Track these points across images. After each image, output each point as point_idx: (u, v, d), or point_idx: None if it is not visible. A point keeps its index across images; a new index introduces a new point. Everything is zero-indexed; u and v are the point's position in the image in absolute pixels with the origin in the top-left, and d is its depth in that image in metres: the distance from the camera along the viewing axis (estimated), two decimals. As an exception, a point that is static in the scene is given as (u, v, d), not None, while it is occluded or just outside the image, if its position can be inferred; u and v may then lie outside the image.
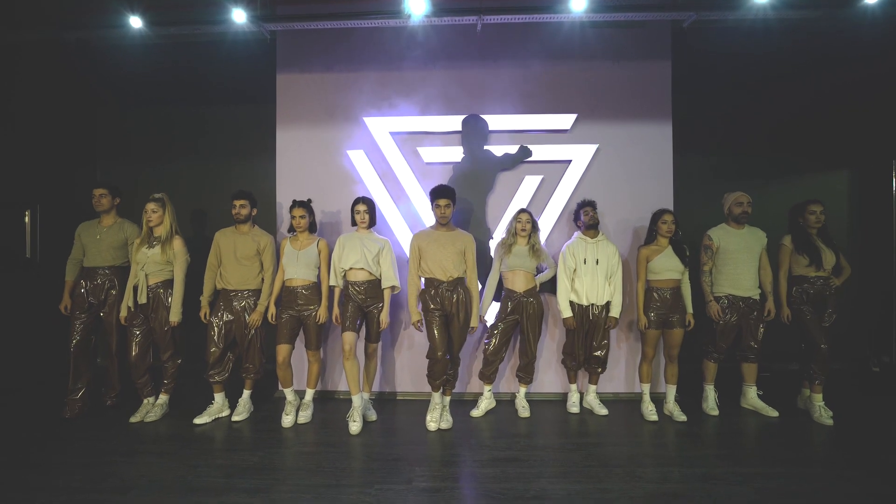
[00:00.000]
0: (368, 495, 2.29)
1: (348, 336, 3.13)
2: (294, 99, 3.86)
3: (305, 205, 3.28)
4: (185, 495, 2.30)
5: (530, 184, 3.73)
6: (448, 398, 3.29)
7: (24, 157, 4.21)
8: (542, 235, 3.69)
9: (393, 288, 3.26)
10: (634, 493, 2.32)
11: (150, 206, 3.27)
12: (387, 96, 3.80)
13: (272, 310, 3.29)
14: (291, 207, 3.26)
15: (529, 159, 3.74)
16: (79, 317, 3.33)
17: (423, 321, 3.21)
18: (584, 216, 3.43)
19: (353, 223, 3.32)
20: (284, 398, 3.36)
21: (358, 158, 3.78)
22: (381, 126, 3.78)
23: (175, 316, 3.26)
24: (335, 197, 3.78)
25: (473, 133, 3.77)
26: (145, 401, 3.37)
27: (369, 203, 3.32)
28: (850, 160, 4.57)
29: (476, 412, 3.40)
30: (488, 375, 3.46)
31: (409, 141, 3.79)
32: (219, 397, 3.34)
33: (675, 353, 3.37)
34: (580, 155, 3.73)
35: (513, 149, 3.75)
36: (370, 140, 3.80)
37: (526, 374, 3.50)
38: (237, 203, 3.31)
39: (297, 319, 3.26)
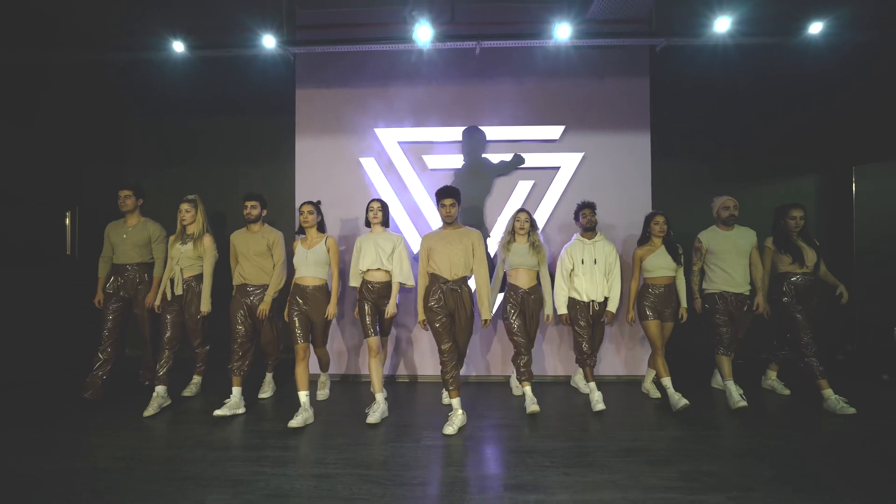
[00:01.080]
0: (386, 449, 2.72)
1: (373, 341, 3.33)
2: (311, 111, 4.31)
3: (313, 203, 3.44)
4: (230, 451, 2.73)
5: (523, 188, 4.17)
6: (457, 399, 3.15)
7: (66, 163, 4.67)
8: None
9: (404, 284, 3.45)
10: (609, 447, 2.74)
11: (185, 206, 3.58)
12: (395, 110, 4.25)
13: (267, 303, 3.44)
14: (300, 206, 3.44)
15: (522, 166, 4.19)
16: (111, 310, 3.63)
17: (428, 322, 3.28)
18: (582, 218, 3.66)
19: (367, 223, 3.56)
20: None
21: (369, 165, 4.22)
22: (390, 136, 4.23)
23: (205, 307, 3.55)
24: (349, 199, 4.22)
25: (472, 142, 4.22)
26: (158, 389, 3.48)
27: (383, 204, 3.55)
28: (816, 167, 5.03)
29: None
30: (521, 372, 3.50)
31: (415, 149, 4.24)
32: (237, 392, 3.40)
33: (663, 345, 3.58)
34: (568, 162, 4.18)
35: (508, 156, 4.20)
36: (380, 149, 4.24)
37: (528, 370, 3.48)
38: (248, 204, 3.51)
39: (307, 316, 3.35)
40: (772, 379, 3.87)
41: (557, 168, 4.19)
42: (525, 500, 2.16)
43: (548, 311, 3.62)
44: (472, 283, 3.51)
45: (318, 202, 3.49)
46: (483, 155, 4.22)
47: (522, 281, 3.55)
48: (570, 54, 4.06)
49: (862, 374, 4.26)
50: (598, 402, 3.36)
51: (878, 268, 4.65)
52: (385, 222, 3.57)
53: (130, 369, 4.11)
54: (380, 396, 3.30)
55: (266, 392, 3.78)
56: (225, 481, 2.34)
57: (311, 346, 3.44)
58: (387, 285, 3.46)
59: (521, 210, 3.64)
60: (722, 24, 3.36)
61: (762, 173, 5.00)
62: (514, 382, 3.73)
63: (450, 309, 3.23)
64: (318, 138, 4.30)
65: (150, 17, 3.80)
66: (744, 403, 3.30)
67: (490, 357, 4.23)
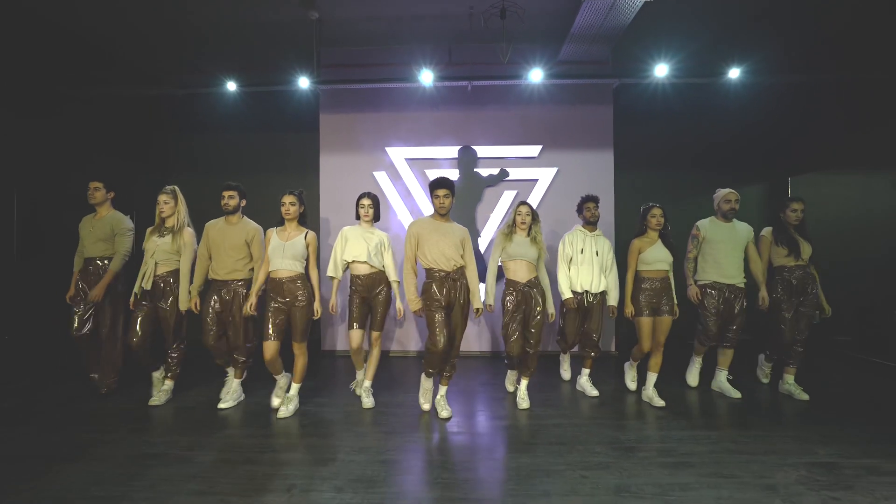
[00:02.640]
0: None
1: (355, 334, 3.42)
2: (333, 133, 5.22)
3: (296, 194, 3.25)
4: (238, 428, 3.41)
5: (508, 197, 5.08)
6: (445, 388, 3.34)
7: (125, 179, 5.60)
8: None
9: (396, 281, 3.53)
10: (602, 436, 3.62)
11: (162, 197, 3.39)
12: (403, 132, 5.16)
13: (252, 299, 3.27)
14: (283, 196, 3.24)
15: (507, 178, 5.10)
16: (78, 305, 3.47)
17: (424, 311, 3.19)
18: (585, 212, 3.75)
19: (357, 217, 3.57)
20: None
21: (381, 178, 5.14)
22: (399, 154, 5.14)
23: (183, 304, 3.38)
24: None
25: (466, 159, 5.13)
26: (155, 375, 3.55)
27: (374, 198, 3.55)
28: (758, 178, 5.93)
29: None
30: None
31: (420, 165, 5.15)
32: (235, 381, 3.46)
33: (662, 341, 3.51)
34: (545, 175, 5.09)
35: (495, 171, 5.11)
36: (391, 164, 5.16)
37: (528, 366, 3.46)
38: (225, 194, 3.36)
39: (283, 312, 3.17)
40: (789, 383, 3.69)
41: (536, 180, 5.10)
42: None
43: (550, 309, 3.49)
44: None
45: (301, 192, 3.30)
46: (475, 169, 5.13)
47: (521, 274, 3.43)
48: (547, 87, 4.96)
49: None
50: (565, 371, 4.06)
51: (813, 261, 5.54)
52: (376, 218, 3.58)
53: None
54: (361, 374, 3.60)
55: (228, 402, 3.41)
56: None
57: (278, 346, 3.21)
58: (373, 277, 3.45)
59: (522, 203, 3.53)
60: (661, 70, 4.25)
61: (711, 184, 5.87)
62: (521, 394, 3.48)
63: (450, 299, 3.17)
64: (338, 155, 5.21)
65: (205, 60, 4.73)
66: (693, 383, 3.79)
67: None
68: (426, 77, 4.32)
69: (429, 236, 3.17)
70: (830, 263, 4.77)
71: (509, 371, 3.81)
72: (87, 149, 5.14)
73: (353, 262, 3.44)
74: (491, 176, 5.13)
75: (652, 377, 3.54)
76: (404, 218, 5.11)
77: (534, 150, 5.10)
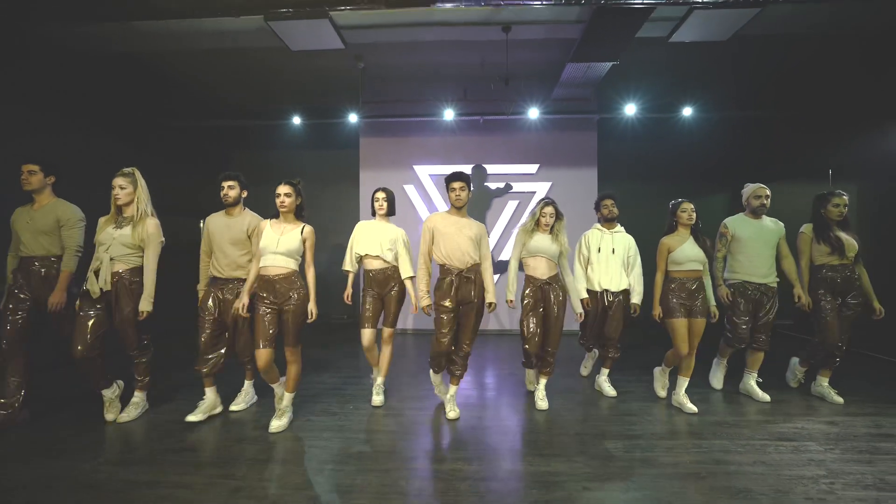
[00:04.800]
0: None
1: (367, 334, 3.32)
2: (371, 152, 6.49)
3: (293, 184, 2.96)
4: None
5: (511, 206, 6.32)
6: (455, 388, 3.26)
7: (201, 189, 6.93)
8: (511, 244, 6.17)
9: (411, 278, 3.41)
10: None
11: (118, 180, 2.90)
12: (428, 153, 6.42)
13: (244, 299, 2.90)
14: (278, 187, 2.93)
15: (511, 191, 6.34)
16: (14, 313, 2.91)
17: (434, 309, 3.11)
18: (603, 209, 3.71)
19: (373, 213, 3.50)
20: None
21: (410, 190, 6.40)
22: (424, 171, 6.41)
23: (146, 304, 2.91)
24: (396, 212, 6.37)
25: (478, 175, 6.37)
26: (105, 393, 3.02)
27: (389, 193, 3.46)
28: (725, 188, 7.11)
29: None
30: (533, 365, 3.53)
31: (440, 180, 6.40)
32: (210, 392, 3.12)
33: (696, 344, 3.28)
34: (541, 188, 6.32)
35: (501, 185, 6.35)
36: (417, 179, 6.42)
37: (547, 364, 3.39)
38: (225, 185, 3.10)
39: (276, 314, 2.86)
40: (822, 385, 3.55)
41: (534, 192, 6.33)
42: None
43: (578, 308, 3.44)
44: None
45: (299, 182, 3.03)
46: (485, 183, 6.38)
47: (542, 270, 3.35)
48: (543, 120, 6.18)
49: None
50: (584, 369, 4.09)
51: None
52: (390, 212, 3.50)
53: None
54: (375, 370, 3.55)
55: (239, 404, 3.30)
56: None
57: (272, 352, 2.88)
58: (385, 273, 3.38)
59: (547, 203, 3.42)
60: (630, 109, 5.47)
61: (680, 192, 7.05)
62: (540, 394, 3.43)
63: (462, 298, 3.08)
64: (375, 171, 6.48)
65: (275, 97, 6.03)
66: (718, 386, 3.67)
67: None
68: (448, 114, 5.58)
69: (444, 230, 3.11)
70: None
71: (528, 370, 3.71)
72: (176, 169, 6.47)
73: (366, 256, 3.38)
74: (497, 189, 6.37)
75: (683, 382, 3.33)
76: (428, 222, 6.38)
77: (532, 168, 6.34)
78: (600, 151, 6.39)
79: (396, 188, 6.41)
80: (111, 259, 2.90)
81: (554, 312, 3.30)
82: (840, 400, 3.43)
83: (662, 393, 3.61)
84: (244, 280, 3.04)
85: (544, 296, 3.32)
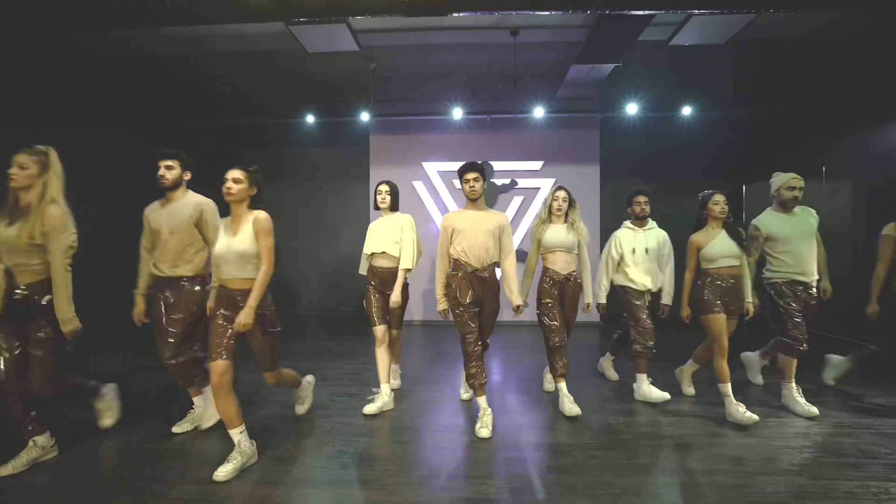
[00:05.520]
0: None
1: (379, 330, 3.19)
2: (380, 149, 6.71)
3: (247, 170, 2.43)
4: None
5: (516, 201, 6.55)
6: (483, 397, 2.93)
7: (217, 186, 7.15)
8: (517, 238, 6.41)
9: (408, 270, 3.17)
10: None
11: (20, 158, 2.20)
12: (436, 150, 6.64)
13: (210, 303, 2.53)
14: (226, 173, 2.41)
15: (516, 187, 6.57)
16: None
17: (451, 312, 2.95)
18: (635, 206, 3.47)
19: (376, 207, 3.32)
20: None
21: (419, 186, 6.63)
22: (433, 167, 6.63)
23: (70, 323, 2.26)
24: (406, 208, 6.56)
25: (485, 172, 6.58)
26: (31, 442, 2.36)
27: (392, 186, 3.29)
28: (718, 185, 7.28)
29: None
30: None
31: (448, 176, 6.62)
32: (198, 401, 2.84)
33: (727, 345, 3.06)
34: (545, 185, 6.55)
35: (507, 181, 6.58)
36: (426, 175, 6.65)
37: (563, 364, 3.17)
38: (161, 165, 2.60)
39: (228, 326, 2.34)
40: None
41: (538, 188, 6.56)
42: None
43: (587, 298, 3.31)
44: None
45: (256, 169, 2.48)
46: (491, 179, 6.60)
47: (560, 265, 3.21)
48: (547, 118, 6.40)
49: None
50: (657, 394, 3.28)
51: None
52: (394, 206, 3.29)
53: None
54: (385, 388, 3.17)
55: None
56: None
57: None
58: (392, 273, 3.19)
59: (559, 187, 3.30)
60: (631, 108, 5.69)
61: (679, 189, 7.31)
62: (566, 397, 3.15)
63: (476, 297, 2.89)
64: (384, 168, 6.70)
65: (288, 95, 6.26)
66: (815, 411, 3.02)
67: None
68: (457, 113, 5.80)
69: (461, 226, 2.93)
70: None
71: (547, 370, 3.59)
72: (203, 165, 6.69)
73: (373, 255, 3.24)
74: (503, 185, 6.60)
75: (726, 388, 2.98)
76: (436, 216, 6.60)
77: (537, 165, 6.56)
78: (602, 149, 6.60)
79: (405, 184, 6.65)
80: (5, 270, 2.19)
81: (570, 308, 3.24)
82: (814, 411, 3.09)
83: (691, 390, 3.50)
84: (189, 277, 2.64)
85: (563, 290, 3.21)
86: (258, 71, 5.77)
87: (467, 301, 2.86)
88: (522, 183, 6.57)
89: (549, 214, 3.28)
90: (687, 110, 5.76)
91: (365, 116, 5.94)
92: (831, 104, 5.88)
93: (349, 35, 4.48)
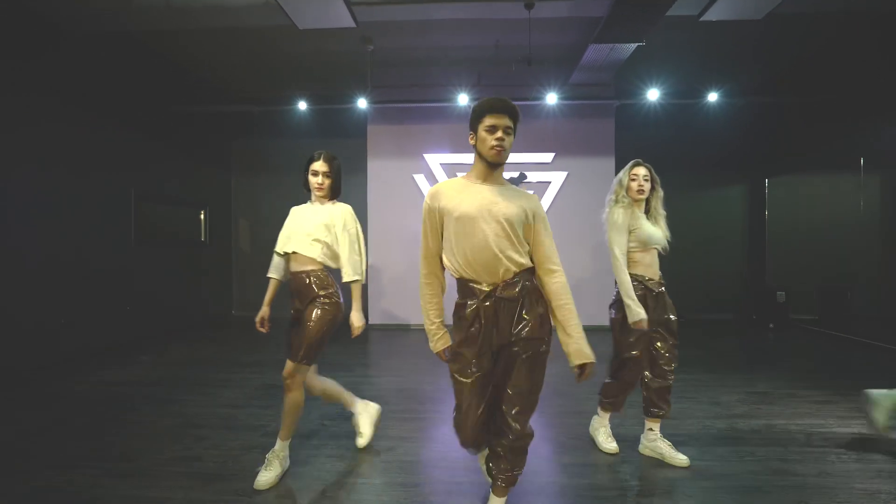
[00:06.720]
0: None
1: (286, 368, 2.18)
2: (379, 141, 6.22)
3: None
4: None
5: (526, 196, 6.07)
6: (502, 500, 1.80)
7: (201, 178, 6.64)
8: None
9: (356, 282, 2.27)
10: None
11: None
12: (438, 141, 6.15)
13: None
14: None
15: (526, 181, 6.09)
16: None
17: (448, 362, 1.75)
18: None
19: (307, 188, 2.37)
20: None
21: (420, 180, 6.14)
22: (435, 159, 6.14)
23: None
24: (405, 203, 6.12)
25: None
26: None
27: (333, 164, 2.33)
28: (742, 179, 6.88)
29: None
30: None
31: (452, 169, 6.14)
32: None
33: None
34: (557, 178, 6.07)
35: (515, 174, 6.10)
36: (428, 168, 6.15)
37: (664, 402, 2.32)
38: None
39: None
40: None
41: (549, 182, 6.08)
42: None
43: (634, 317, 2.22)
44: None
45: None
46: (498, 173, 6.11)
47: (655, 269, 2.34)
48: (560, 105, 5.92)
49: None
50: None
51: (786, 250, 6.49)
52: (335, 192, 2.39)
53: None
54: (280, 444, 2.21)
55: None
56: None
57: None
58: (316, 276, 2.23)
59: (636, 163, 2.42)
60: (652, 94, 5.21)
61: (699, 184, 6.87)
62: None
63: (498, 340, 1.65)
64: (383, 160, 6.21)
65: (280, 81, 5.75)
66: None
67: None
68: (462, 99, 5.32)
69: (458, 208, 1.66)
70: (800, 252, 5.78)
71: (608, 414, 2.53)
72: (185, 154, 6.20)
73: (294, 252, 2.25)
74: (512, 178, 6.11)
75: None
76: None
77: (548, 157, 6.09)
78: (619, 139, 6.14)
79: (406, 178, 6.17)
80: None
81: (672, 327, 2.35)
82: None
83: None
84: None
85: (658, 305, 2.30)
86: (243, 52, 5.27)
87: (477, 352, 1.65)
88: (532, 176, 6.10)
89: (626, 194, 2.37)
90: (712, 97, 5.29)
91: (362, 103, 5.45)
92: (868, 88, 5.41)
93: (343, 6, 3.98)
